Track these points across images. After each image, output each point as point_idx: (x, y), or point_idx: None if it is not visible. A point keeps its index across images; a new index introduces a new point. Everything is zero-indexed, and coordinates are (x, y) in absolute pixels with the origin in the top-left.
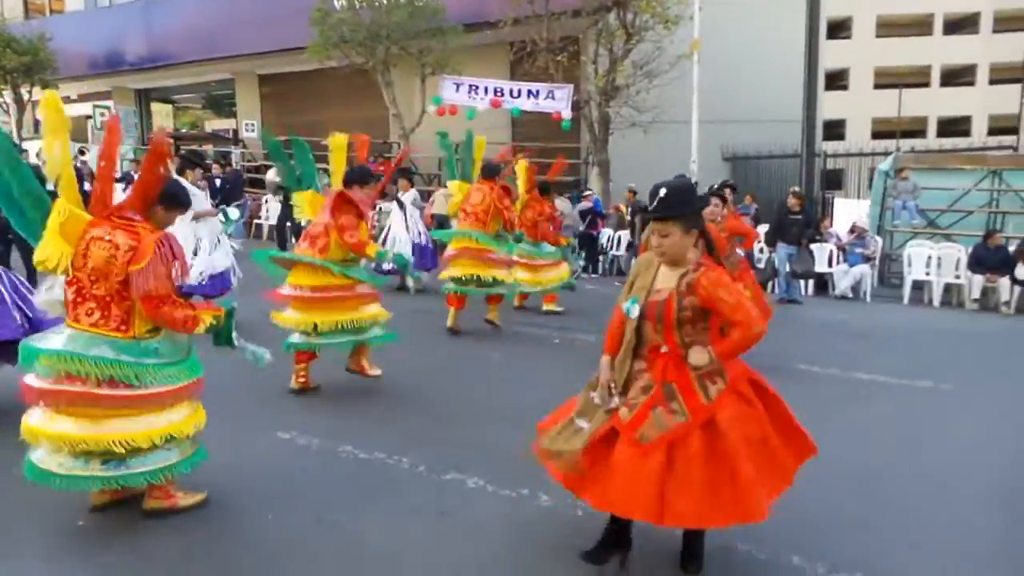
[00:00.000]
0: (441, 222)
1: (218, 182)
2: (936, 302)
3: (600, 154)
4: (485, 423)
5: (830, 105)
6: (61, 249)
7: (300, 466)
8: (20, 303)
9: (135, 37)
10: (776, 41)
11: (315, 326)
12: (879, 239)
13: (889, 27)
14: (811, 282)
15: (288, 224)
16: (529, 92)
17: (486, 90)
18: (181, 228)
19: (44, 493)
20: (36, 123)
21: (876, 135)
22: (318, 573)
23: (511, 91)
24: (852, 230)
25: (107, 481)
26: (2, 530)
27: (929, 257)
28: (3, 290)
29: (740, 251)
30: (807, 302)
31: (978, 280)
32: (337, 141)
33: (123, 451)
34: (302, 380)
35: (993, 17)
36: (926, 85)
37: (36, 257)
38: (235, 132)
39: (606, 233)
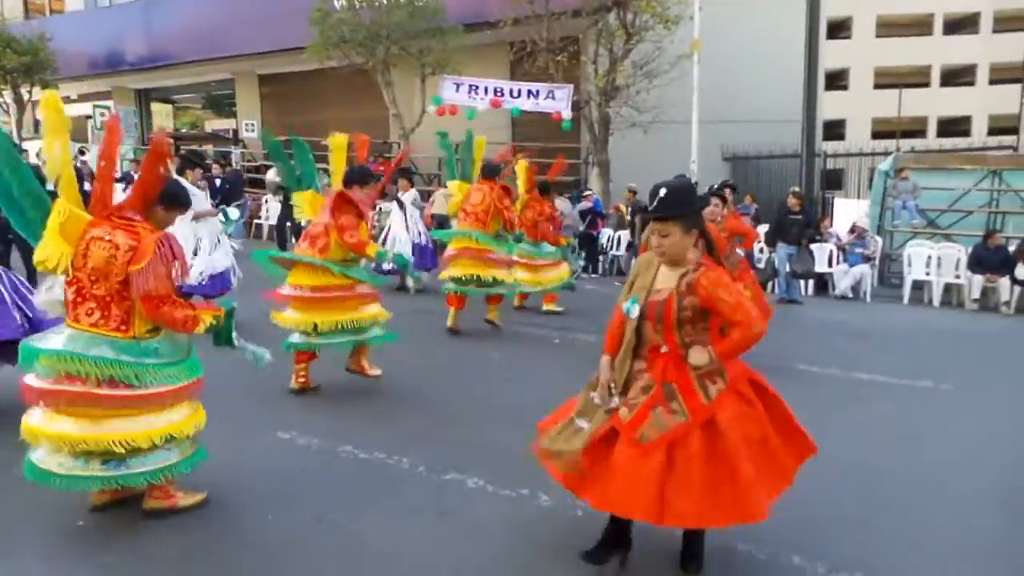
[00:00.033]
0: (441, 222)
1: (218, 182)
2: (936, 302)
3: (600, 154)
4: (485, 423)
5: (830, 105)
6: (61, 249)
7: (300, 466)
8: (20, 303)
9: (135, 37)
10: (776, 41)
11: (315, 326)
12: (879, 239)
13: (889, 27)
14: (811, 282)
15: (288, 224)
16: (529, 92)
17: (486, 90)
18: (181, 228)
19: (44, 493)
20: (36, 123)
21: (876, 135)
22: (318, 573)
23: (511, 91)
24: (852, 230)
25: (107, 481)
26: (2, 530)
27: (929, 257)
28: (3, 290)
29: (740, 251)
30: (807, 302)
31: (978, 280)
32: (337, 141)
33: (123, 451)
34: (302, 380)
35: (993, 17)
36: (926, 85)
37: (36, 257)
38: (235, 132)
39: (606, 233)
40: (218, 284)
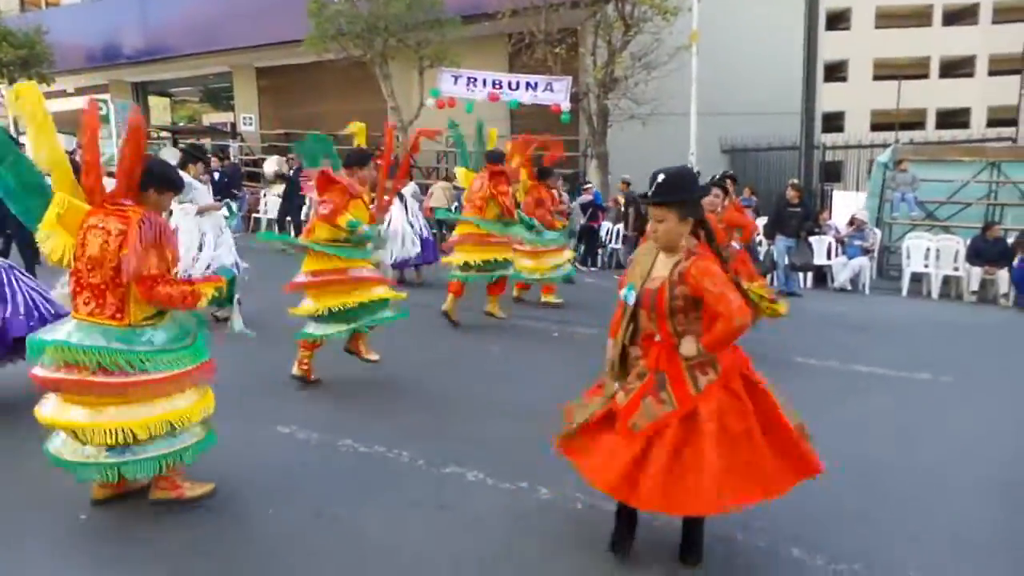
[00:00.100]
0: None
1: (216, 176)
2: (935, 294)
3: (599, 146)
4: (484, 417)
5: (829, 97)
6: (65, 241)
7: (300, 460)
8: (35, 299)
9: (132, 30)
10: (775, 32)
11: (324, 310)
12: (878, 231)
13: (888, 18)
14: (810, 275)
15: (288, 218)
16: (528, 84)
17: (484, 82)
18: (186, 223)
19: (48, 486)
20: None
21: (875, 127)
22: (318, 567)
23: (509, 83)
24: (851, 222)
25: (112, 468)
26: (5, 522)
27: (928, 249)
28: (17, 288)
29: (736, 244)
30: (806, 295)
31: (976, 272)
32: (356, 128)
33: (122, 440)
34: (305, 367)
35: (992, 8)
36: (925, 76)
37: (45, 251)
38: (233, 126)
39: (605, 226)
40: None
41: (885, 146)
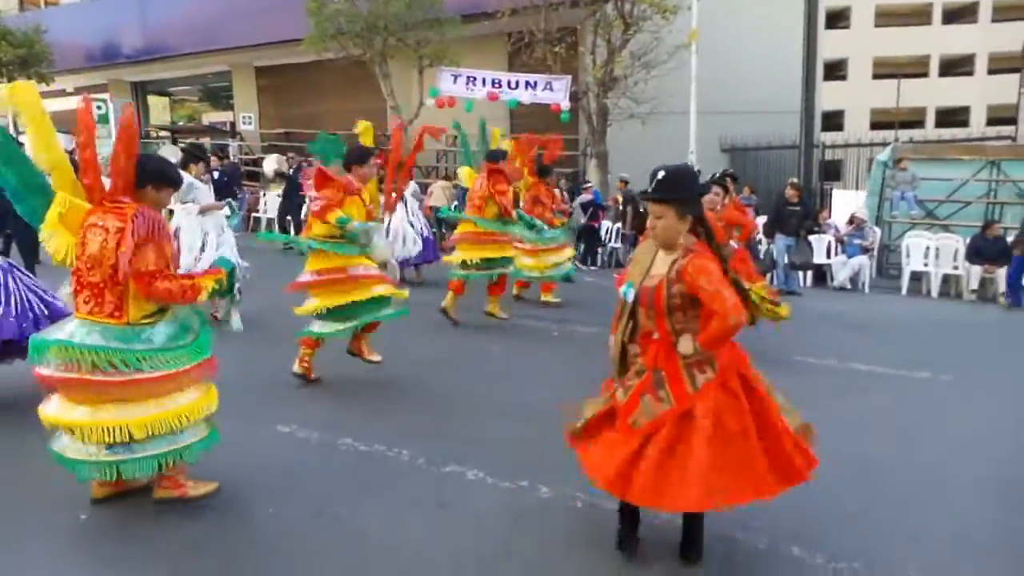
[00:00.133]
0: (438, 214)
1: (216, 175)
2: (934, 293)
3: (598, 146)
4: (484, 416)
5: (828, 96)
6: (68, 240)
7: (300, 459)
8: (35, 300)
9: (131, 29)
10: (774, 31)
11: (326, 310)
12: (877, 230)
13: (888, 16)
14: (809, 273)
15: (288, 217)
16: (527, 83)
17: (484, 81)
18: (188, 223)
19: (50, 485)
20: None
21: (875, 125)
22: (318, 565)
23: (509, 82)
24: (851, 221)
25: (111, 467)
26: (5, 520)
27: (927, 248)
28: (16, 290)
29: (734, 243)
30: (805, 293)
31: (976, 271)
32: (363, 127)
33: (120, 439)
34: (305, 365)
35: (992, 6)
36: (925, 75)
37: (49, 251)
38: (232, 125)
39: (605, 225)
40: None
41: (885, 145)
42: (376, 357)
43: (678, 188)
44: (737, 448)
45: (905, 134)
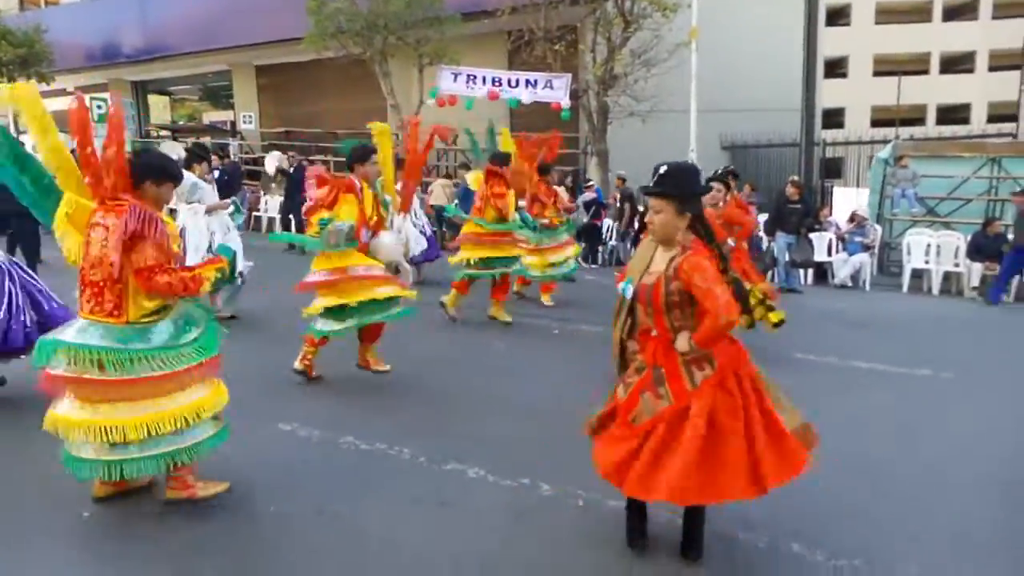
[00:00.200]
0: (439, 213)
1: (216, 173)
2: (935, 290)
3: (599, 144)
4: (485, 414)
5: (829, 93)
6: (77, 240)
7: (301, 457)
8: (20, 304)
9: (131, 28)
10: (775, 29)
11: (326, 309)
12: (878, 227)
13: (888, 14)
14: (810, 271)
15: (290, 216)
16: (527, 82)
17: (484, 80)
18: (195, 222)
19: (51, 484)
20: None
21: (875, 123)
22: (319, 564)
23: (509, 81)
24: (851, 219)
25: (113, 466)
26: (9, 519)
27: (928, 245)
28: (7, 290)
29: (731, 241)
30: (806, 291)
31: (977, 268)
32: (380, 128)
33: (117, 438)
34: (307, 363)
35: (992, 3)
36: (925, 72)
37: (63, 252)
38: (232, 124)
39: (607, 223)
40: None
41: (885, 142)
42: (384, 367)
43: (678, 184)
44: (730, 446)
45: (906, 131)
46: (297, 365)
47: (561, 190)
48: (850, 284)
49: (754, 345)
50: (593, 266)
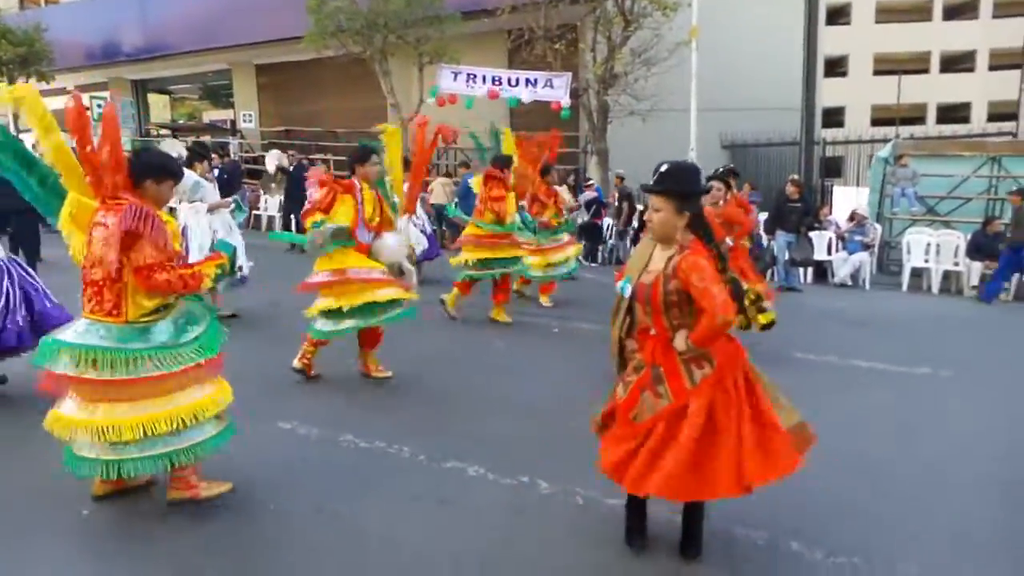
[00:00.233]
0: (439, 212)
1: (216, 172)
2: (935, 289)
3: (599, 143)
4: (485, 412)
5: (829, 92)
6: (82, 239)
7: (301, 456)
8: (15, 304)
9: (131, 27)
10: (775, 28)
11: (327, 310)
12: (878, 226)
13: (888, 13)
14: (810, 270)
15: (291, 215)
16: (527, 81)
17: (484, 79)
18: (197, 221)
19: (51, 482)
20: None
21: (875, 122)
22: (319, 562)
23: (509, 80)
24: (851, 218)
25: (112, 465)
26: (8, 517)
27: (928, 244)
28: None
29: (729, 241)
30: (806, 290)
31: (977, 267)
32: (390, 131)
33: (114, 438)
34: (306, 361)
35: (993, 2)
36: (925, 71)
37: (70, 251)
38: (232, 123)
39: (607, 222)
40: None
41: (885, 141)
42: (386, 373)
43: (678, 183)
44: (727, 444)
45: (906, 130)
46: (296, 364)
47: (563, 189)
48: (850, 283)
49: (754, 346)
50: (593, 264)
